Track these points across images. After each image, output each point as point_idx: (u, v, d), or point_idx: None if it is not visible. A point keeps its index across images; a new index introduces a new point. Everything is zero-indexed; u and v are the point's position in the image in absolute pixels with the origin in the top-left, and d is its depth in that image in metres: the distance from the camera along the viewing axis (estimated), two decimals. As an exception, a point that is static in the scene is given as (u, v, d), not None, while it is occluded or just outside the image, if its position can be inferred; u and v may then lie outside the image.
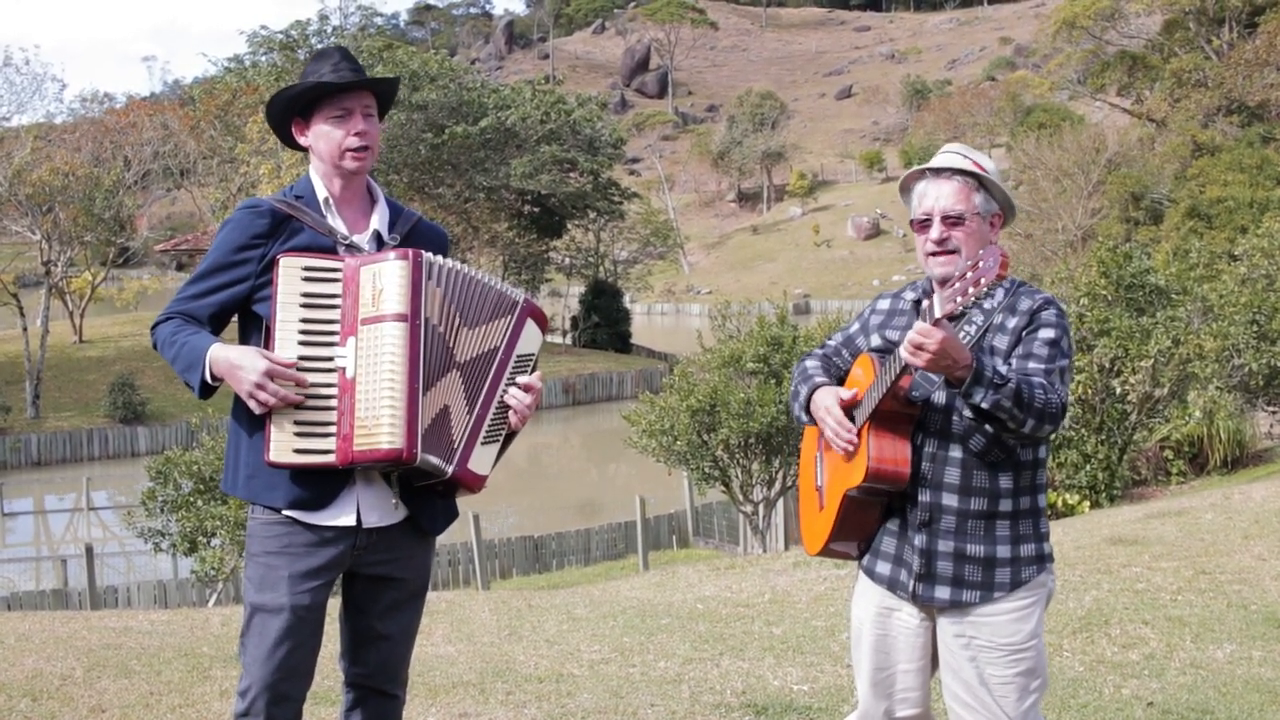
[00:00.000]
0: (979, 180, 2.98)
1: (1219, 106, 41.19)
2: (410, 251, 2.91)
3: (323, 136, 3.04)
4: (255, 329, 2.99)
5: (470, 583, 17.31)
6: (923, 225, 3.00)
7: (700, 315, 46.82)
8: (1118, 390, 13.56)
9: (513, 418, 3.06)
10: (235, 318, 3.07)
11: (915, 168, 3.06)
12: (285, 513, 2.93)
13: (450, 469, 2.95)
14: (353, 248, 3.03)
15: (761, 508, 16.70)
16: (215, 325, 3.00)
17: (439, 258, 2.97)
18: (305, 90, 3.03)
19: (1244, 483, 12.61)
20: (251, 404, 2.84)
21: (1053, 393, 2.84)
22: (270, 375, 2.81)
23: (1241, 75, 40.33)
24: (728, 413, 15.55)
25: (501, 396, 3.04)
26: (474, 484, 3.02)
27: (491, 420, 3.03)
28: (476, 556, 17.44)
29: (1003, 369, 2.82)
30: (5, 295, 36.04)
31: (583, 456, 36.49)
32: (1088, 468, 13.61)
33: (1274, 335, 15.66)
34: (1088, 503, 13.34)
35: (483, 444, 3.01)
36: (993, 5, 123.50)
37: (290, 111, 3.09)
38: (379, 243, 3.08)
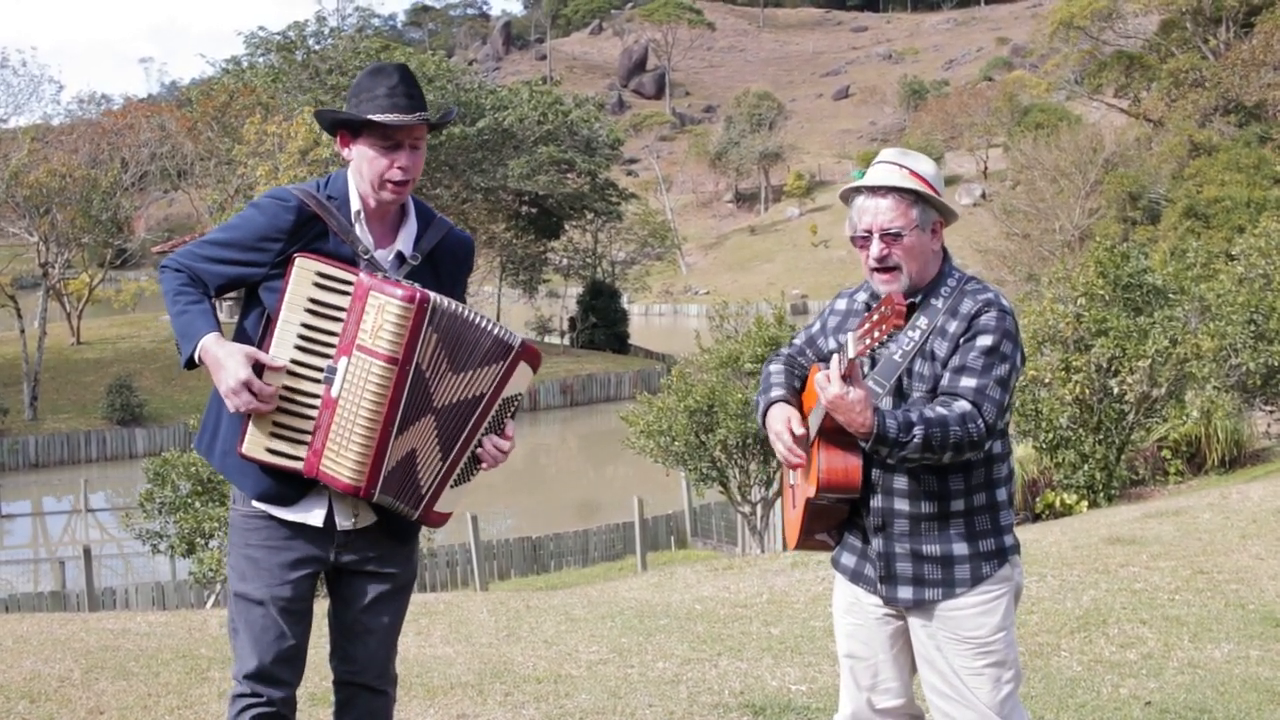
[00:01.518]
0: (916, 194, 2.98)
1: (1216, 106, 41.26)
2: (419, 295, 2.85)
3: (366, 160, 2.97)
4: (257, 310, 3.00)
5: (468, 584, 17.30)
6: (863, 241, 3.01)
7: (698, 316, 46.79)
8: (1115, 390, 13.55)
9: (484, 465, 3.08)
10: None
11: (852, 184, 3.05)
12: (255, 504, 2.97)
13: (416, 514, 3.00)
14: (373, 264, 2.98)
15: (759, 508, 16.69)
16: (220, 293, 3.01)
17: (446, 301, 2.91)
18: (355, 118, 2.95)
19: (1241, 482, 12.60)
20: (227, 403, 2.87)
21: (974, 421, 2.85)
22: (248, 386, 2.82)
23: (1238, 75, 40.41)
24: (725, 413, 15.56)
25: (477, 446, 3.04)
26: (438, 523, 3.08)
27: (464, 466, 3.05)
28: (475, 558, 17.44)
29: (913, 415, 2.84)
30: (3, 297, 36.04)
31: (580, 457, 36.50)
32: (1085, 467, 13.60)
33: (1271, 335, 15.63)
34: (1085, 502, 13.33)
35: (452, 487, 3.05)
36: (990, 5, 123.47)
37: (336, 125, 3.03)
38: (400, 260, 3.04)
